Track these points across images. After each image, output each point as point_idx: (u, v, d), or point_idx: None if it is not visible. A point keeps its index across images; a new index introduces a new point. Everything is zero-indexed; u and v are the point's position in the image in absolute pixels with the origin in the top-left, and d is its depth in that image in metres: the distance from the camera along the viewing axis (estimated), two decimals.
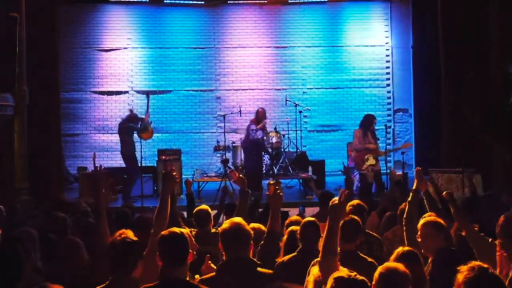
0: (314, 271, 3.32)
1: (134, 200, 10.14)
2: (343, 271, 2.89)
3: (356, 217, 4.42)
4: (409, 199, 4.65)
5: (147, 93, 10.95)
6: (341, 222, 4.23)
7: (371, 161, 9.89)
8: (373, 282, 2.95)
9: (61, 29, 11.82)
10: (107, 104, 13.61)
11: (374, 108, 13.58)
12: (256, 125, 11.10)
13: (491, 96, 9.75)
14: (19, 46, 8.70)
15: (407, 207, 4.60)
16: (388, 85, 13.96)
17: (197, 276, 3.87)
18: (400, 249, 3.56)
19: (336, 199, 3.36)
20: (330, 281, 2.79)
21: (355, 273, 2.82)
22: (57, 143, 11.06)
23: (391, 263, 3.14)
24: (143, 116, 10.82)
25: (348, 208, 5.20)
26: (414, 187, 4.76)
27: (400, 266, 3.03)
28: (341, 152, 13.15)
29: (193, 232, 4.87)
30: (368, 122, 10.12)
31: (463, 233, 4.34)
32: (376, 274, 2.97)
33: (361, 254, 4.21)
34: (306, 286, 3.50)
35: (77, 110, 13.49)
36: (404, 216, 4.53)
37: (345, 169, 6.73)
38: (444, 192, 4.71)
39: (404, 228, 4.48)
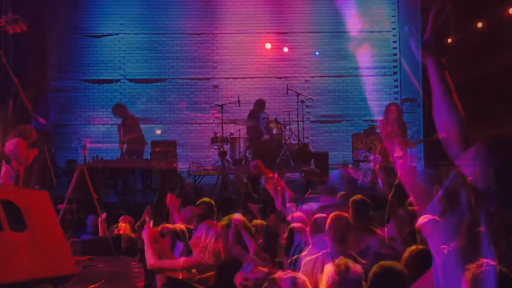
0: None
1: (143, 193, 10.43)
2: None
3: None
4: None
5: None
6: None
7: (398, 152, 9.91)
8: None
9: (49, 15, 11.85)
10: (98, 93, 13.66)
11: (380, 98, 13.61)
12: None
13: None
14: (3, 32, 8.72)
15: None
16: (395, 73, 13.98)
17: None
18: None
19: None
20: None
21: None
22: (44, 136, 11.08)
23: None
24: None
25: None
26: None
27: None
28: (345, 144, 13.14)
29: None
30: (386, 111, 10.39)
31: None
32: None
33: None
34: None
35: (66, 100, 13.52)
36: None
37: (344, 166, 6.83)
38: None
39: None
